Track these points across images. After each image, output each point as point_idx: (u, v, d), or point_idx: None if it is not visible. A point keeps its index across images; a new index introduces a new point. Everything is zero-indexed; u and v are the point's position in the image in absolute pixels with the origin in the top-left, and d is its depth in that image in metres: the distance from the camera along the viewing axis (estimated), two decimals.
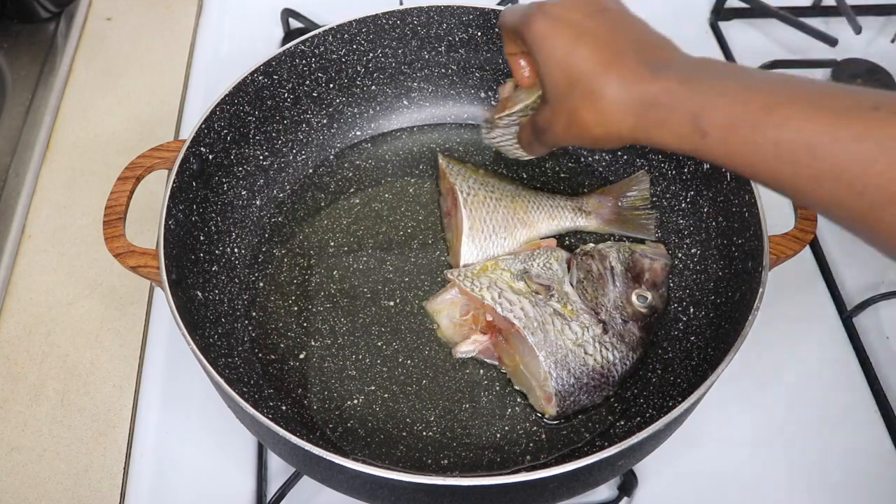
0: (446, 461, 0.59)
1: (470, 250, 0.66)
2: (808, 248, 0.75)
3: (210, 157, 0.65)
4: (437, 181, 0.74)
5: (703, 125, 0.42)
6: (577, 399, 0.59)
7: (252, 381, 0.61)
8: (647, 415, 0.59)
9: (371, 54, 0.74)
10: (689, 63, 0.45)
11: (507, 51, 0.57)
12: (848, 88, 0.39)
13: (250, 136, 0.70)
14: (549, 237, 0.69)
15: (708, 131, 0.42)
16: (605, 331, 0.61)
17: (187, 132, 0.63)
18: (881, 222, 0.36)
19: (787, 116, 0.39)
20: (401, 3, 0.90)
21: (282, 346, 0.64)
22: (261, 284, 0.68)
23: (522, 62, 0.57)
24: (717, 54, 0.92)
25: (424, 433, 0.60)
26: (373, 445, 0.59)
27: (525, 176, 0.75)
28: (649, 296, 0.63)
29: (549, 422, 0.60)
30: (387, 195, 0.74)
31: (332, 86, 0.74)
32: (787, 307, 0.71)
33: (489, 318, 0.62)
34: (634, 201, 0.70)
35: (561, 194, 0.71)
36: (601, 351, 0.60)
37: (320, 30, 0.71)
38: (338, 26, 0.71)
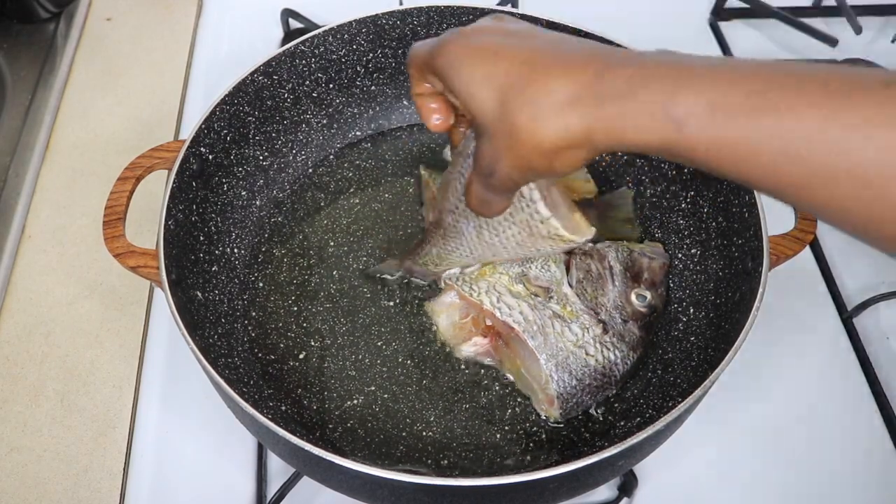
0: (446, 461, 0.59)
1: None
2: (808, 248, 0.75)
3: (210, 157, 0.65)
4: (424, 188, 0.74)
5: (676, 113, 0.33)
6: (580, 400, 0.59)
7: (252, 381, 0.61)
8: (647, 415, 0.59)
9: (371, 54, 0.74)
10: (648, 53, 0.37)
11: (415, 91, 0.48)
12: (849, 68, 0.32)
13: (250, 136, 0.70)
14: None
15: (684, 120, 0.33)
16: (606, 331, 0.61)
17: (187, 132, 0.63)
18: None
19: (782, 101, 0.32)
20: (401, 3, 0.90)
21: (282, 346, 0.64)
22: (261, 284, 0.68)
23: (433, 104, 0.48)
24: (717, 54, 0.92)
25: (424, 433, 0.60)
26: (373, 445, 0.59)
27: None
28: (648, 295, 0.63)
29: (551, 423, 0.60)
30: (387, 195, 0.74)
31: (332, 86, 0.74)
32: (787, 307, 0.71)
33: (489, 322, 0.62)
34: (618, 215, 0.70)
35: None
36: (602, 351, 0.60)
37: (320, 30, 0.71)
38: (338, 26, 0.71)
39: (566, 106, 0.36)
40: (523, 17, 0.72)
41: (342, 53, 0.73)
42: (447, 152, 0.75)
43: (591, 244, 0.67)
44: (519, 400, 0.62)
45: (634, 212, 0.71)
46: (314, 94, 0.74)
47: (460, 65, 0.41)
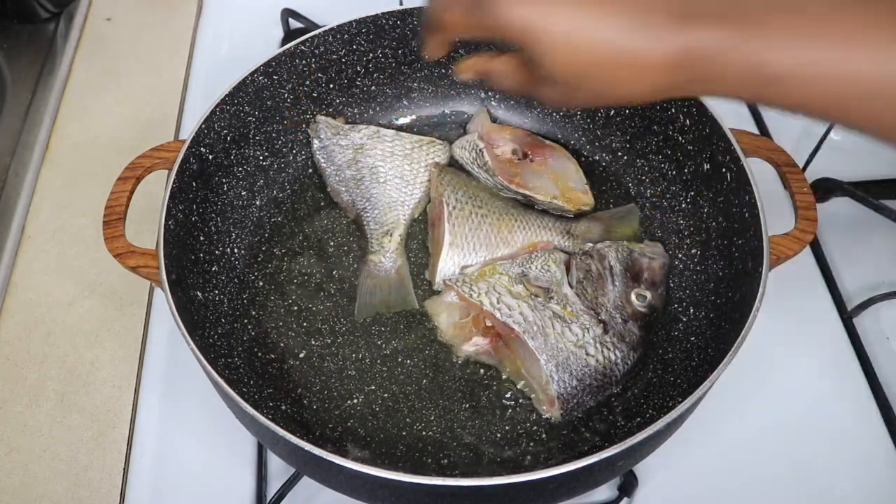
0: (446, 461, 0.59)
1: (447, 265, 0.66)
2: (808, 249, 0.75)
3: (210, 157, 0.65)
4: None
5: (768, 73, 0.37)
6: (581, 400, 0.59)
7: (252, 381, 0.61)
8: (648, 415, 0.59)
9: (371, 54, 0.74)
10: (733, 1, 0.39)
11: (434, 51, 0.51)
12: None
13: (250, 136, 0.70)
14: None
15: (773, 80, 0.37)
16: (606, 331, 0.61)
17: (187, 132, 0.64)
18: None
19: (871, 44, 0.35)
20: (401, 3, 0.90)
21: (282, 345, 0.64)
22: (261, 284, 0.68)
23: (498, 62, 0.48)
24: None
25: (424, 433, 0.60)
26: (373, 445, 0.59)
27: None
28: (648, 295, 0.63)
29: (551, 423, 0.60)
30: None
31: (332, 86, 0.74)
32: (787, 307, 0.70)
33: (489, 322, 0.62)
34: (624, 230, 0.70)
35: (551, 216, 0.70)
36: (602, 351, 0.60)
37: (320, 30, 0.71)
38: (338, 26, 0.71)
39: (660, 69, 0.40)
40: None
41: (342, 53, 0.73)
42: (454, 150, 0.74)
43: (590, 244, 0.67)
44: (519, 400, 0.62)
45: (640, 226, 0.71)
46: (314, 94, 0.74)
47: (533, 24, 0.41)
